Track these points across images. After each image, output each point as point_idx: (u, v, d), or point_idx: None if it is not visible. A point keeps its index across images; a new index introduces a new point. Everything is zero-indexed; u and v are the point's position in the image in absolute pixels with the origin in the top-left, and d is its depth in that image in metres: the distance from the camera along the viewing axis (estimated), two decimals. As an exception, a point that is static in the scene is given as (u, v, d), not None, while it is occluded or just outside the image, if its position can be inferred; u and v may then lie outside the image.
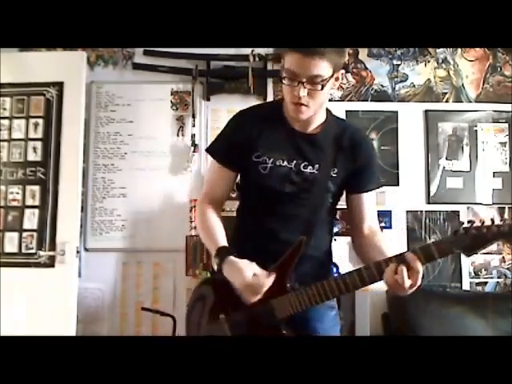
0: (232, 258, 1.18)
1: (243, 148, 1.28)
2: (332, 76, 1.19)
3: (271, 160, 1.26)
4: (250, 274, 1.14)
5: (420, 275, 1.07)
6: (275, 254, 1.20)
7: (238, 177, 1.39)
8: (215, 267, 1.21)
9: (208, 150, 1.39)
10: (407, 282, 1.06)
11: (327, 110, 1.34)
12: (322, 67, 1.15)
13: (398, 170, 2.70)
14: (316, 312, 1.26)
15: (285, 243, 1.21)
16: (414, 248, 1.11)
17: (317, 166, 1.27)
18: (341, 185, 1.30)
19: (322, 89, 1.17)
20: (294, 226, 1.25)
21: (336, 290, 1.16)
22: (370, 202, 1.34)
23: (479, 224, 1.04)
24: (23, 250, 2.38)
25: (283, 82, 1.19)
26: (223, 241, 1.25)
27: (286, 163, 1.26)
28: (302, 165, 1.27)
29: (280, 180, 1.26)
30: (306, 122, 1.27)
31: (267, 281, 1.15)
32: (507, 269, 2.67)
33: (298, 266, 1.20)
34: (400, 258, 1.09)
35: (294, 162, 1.27)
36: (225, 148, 1.34)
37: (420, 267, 1.07)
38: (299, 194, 1.26)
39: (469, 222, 1.06)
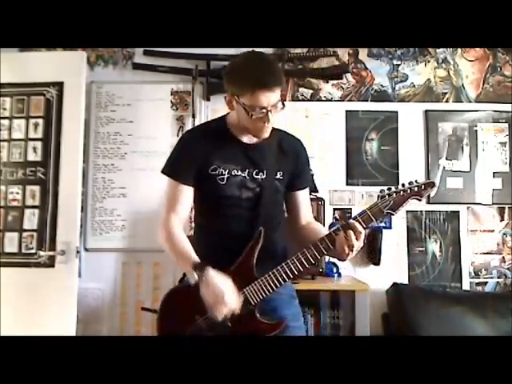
0: (211, 271, 1.28)
1: (198, 163, 1.41)
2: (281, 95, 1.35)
3: (227, 171, 1.40)
4: (224, 296, 1.24)
5: (363, 236, 1.28)
6: (239, 253, 1.34)
7: None
8: (192, 280, 1.29)
9: (164, 172, 1.47)
10: (356, 244, 1.26)
11: None
12: (278, 93, 1.32)
13: (397, 170, 2.70)
14: (282, 301, 1.41)
15: (246, 242, 1.35)
16: (355, 216, 1.32)
17: (265, 171, 1.43)
18: (286, 185, 1.48)
19: (283, 107, 1.34)
20: (254, 225, 1.37)
21: (300, 265, 1.31)
22: (307, 198, 1.55)
23: (395, 189, 1.32)
24: (23, 250, 2.38)
25: (248, 113, 1.31)
26: (195, 256, 1.34)
27: (240, 173, 1.41)
28: (254, 172, 1.42)
29: (237, 188, 1.41)
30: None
31: (236, 306, 1.27)
32: (507, 269, 2.67)
33: (261, 259, 1.34)
34: (345, 226, 1.28)
35: (247, 170, 1.42)
36: (181, 166, 1.44)
37: (362, 229, 1.28)
38: (254, 197, 1.42)
39: (388, 188, 1.32)
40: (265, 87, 1.28)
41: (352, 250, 1.26)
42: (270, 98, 1.29)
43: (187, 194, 1.43)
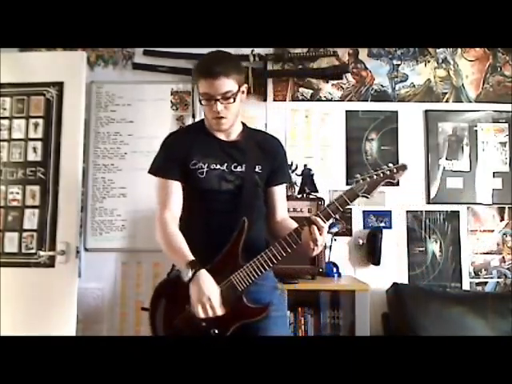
0: (204, 272, 1.34)
1: (180, 159, 1.49)
2: (238, 90, 1.44)
3: (206, 165, 1.48)
4: (206, 297, 1.30)
5: (325, 231, 1.36)
6: (221, 243, 1.40)
7: None
8: (186, 278, 1.34)
9: (151, 172, 1.56)
10: (320, 239, 1.33)
11: (242, 123, 1.59)
12: (229, 84, 1.41)
13: (397, 169, 2.69)
14: (265, 293, 1.47)
15: (229, 233, 1.41)
16: (317, 212, 1.38)
17: (244, 165, 1.51)
18: (265, 181, 1.55)
19: (234, 101, 1.43)
20: (234, 218, 1.42)
21: (277, 254, 1.38)
22: (283, 194, 1.63)
23: (368, 174, 1.39)
24: (23, 250, 2.38)
25: (202, 103, 1.45)
26: (190, 254, 1.39)
27: (219, 166, 1.49)
28: (233, 166, 1.50)
29: (217, 181, 1.48)
30: (228, 132, 1.53)
31: (218, 310, 1.32)
32: (507, 269, 2.67)
33: (244, 250, 1.40)
34: (309, 221, 1.35)
35: (226, 164, 1.50)
36: (166, 164, 1.53)
37: (324, 224, 1.34)
38: (234, 190, 1.48)
39: (361, 174, 1.40)
40: (209, 75, 1.38)
41: (317, 245, 1.33)
42: (215, 86, 1.38)
43: (176, 189, 1.51)
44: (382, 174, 1.39)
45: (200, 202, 1.49)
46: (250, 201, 1.49)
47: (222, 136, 1.53)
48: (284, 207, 1.62)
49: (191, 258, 1.37)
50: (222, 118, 1.44)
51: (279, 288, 1.58)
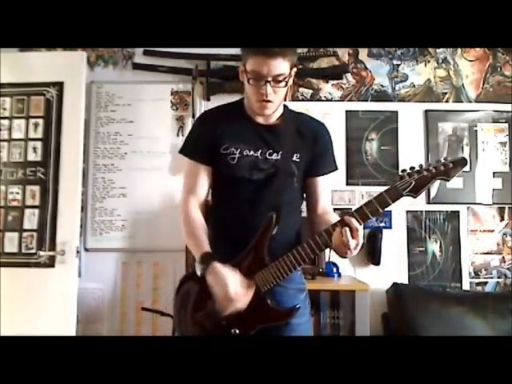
0: (216, 265, 1.25)
1: (211, 142, 1.37)
2: (290, 73, 1.32)
3: (238, 150, 1.36)
4: (232, 291, 1.23)
5: (360, 233, 1.18)
6: (247, 238, 1.30)
7: None
8: (199, 272, 1.28)
9: (181, 152, 1.45)
10: (352, 242, 1.17)
11: (284, 105, 1.44)
12: (283, 66, 1.28)
13: (397, 170, 2.70)
14: (287, 295, 1.36)
15: (256, 227, 1.30)
16: (352, 211, 1.22)
17: (280, 152, 1.37)
18: (304, 169, 1.40)
19: (286, 85, 1.31)
20: (264, 210, 1.32)
21: (305, 256, 1.26)
22: (326, 185, 1.46)
23: (418, 168, 1.19)
24: (23, 250, 2.38)
25: (249, 82, 1.30)
26: (207, 245, 1.31)
27: (252, 152, 1.36)
28: (267, 153, 1.36)
29: (248, 168, 1.35)
30: (268, 116, 1.38)
31: (245, 300, 1.25)
32: (507, 269, 2.68)
33: (271, 247, 1.29)
34: (342, 222, 1.20)
35: (260, 150, 1.36)
36: (196, 146, 1.42)
37: (359, 226, 1.18)
38: (267, 180, 1.35)
39: (410, 168, 1.20)
40: (265, 53, 1.25)
41: (349, 249, 1.18)
42: (270, 65, 1.25)
43: (204, 173, 1.40)
44: (434, 170, 1.17)
45: (229, 191, 1.38)
46: (282, 192, 1.35)
47: (260, 119, 1.39)
48: (327, 199, 1.46)
49: (206, 249, 1.29)
50: (268, 101, 1.31)
51: (305, 290, 1.45)
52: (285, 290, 1.35)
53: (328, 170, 1.45)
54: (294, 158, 1.37)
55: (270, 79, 1.27)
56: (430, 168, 1.18)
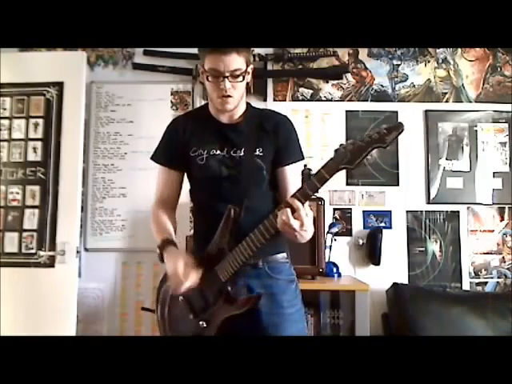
0: (171, 248, 1.34)
1: (181, 147, 1.46)
2: (246, 69, 1.38)
3: (205, 151, 1.43)
4: (180, 267, 1.28)
5: (302, 213, 1.18)
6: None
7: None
8: (159, 258, 1.37)
9: (152, 158, 1.53)
10: (294, 222, 1.17)
11: (247, 102, 1.51)
12: (239, 61, 1.34)
13: (397, 170, 2.70)
14: (279, 287, 1.41)
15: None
16: (294, 192, 1.23)
17: (243, 149, 1.43)
18: (271, 162, 1.44)
19: (243, 80, 1.38)
20: (236, 205, 1.37)
21: (256, 241, 1.28)
22: (294, 174, 1.47)
23: (352, 140, 1.19)
24: (23, 250, 2.38)
25: (208, 80, 1.37)
26: (168, 235, 1.39)
27: (218, 152, 1.43)
28: (232, 151, 1.43)
29: (217, 167, 1.42)
30: (230, 114, 1.45)
31: (192, 281, 1.29)
32: (507, 269, 2.67)
33: (241, 238, 1.32)
34: (285, 204, 1.21)
35: (225, 149, 1.43)
36: (166, 152, 1.50)
37: (300, 205, 1.18)
38: (235, 176, 1.41)
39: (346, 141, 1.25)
40: (221, 50, 1.32)
41: (294, 229, 1.18)
42: (226, 61, 1.32)
43: (173, 178, 1.49)
44: (368, 138, 1.16)
45: (203, 190, 1.45)
46: (251, 187, 1.40)
47: (223, 119, 1.46)
48: (296, 188, 1.40)
49: (165, 237, 1.37)
50: (228, 96, 1.37)
51: (295, 281, 1.48)
52: (275, 282, 1.40)
53: (293, 159, 1.46)
54: (257, 153, 1.42)
55: (227, 75, 1.33)
56: (365, 137, 1.17)
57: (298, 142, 1.49)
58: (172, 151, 1.48)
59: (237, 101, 1.41)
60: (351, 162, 1.16)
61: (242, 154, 1.42)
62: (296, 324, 1.41)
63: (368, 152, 1.17)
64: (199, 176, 1.44)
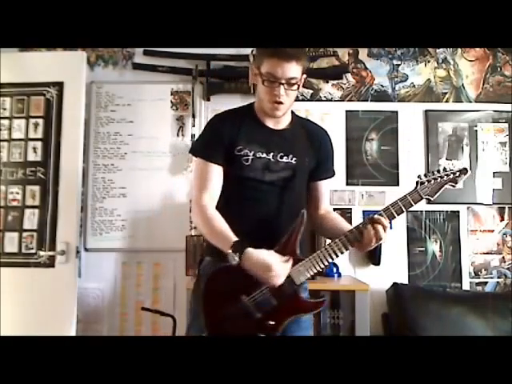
0: (250, 249, 1.29)
1: (226, 143, 1.43)
2: (301, 78, 1.39)
3: (252, 152, 1.43)
4: (275, 263, 1.27)
5: (388, 229, 1.35)
6: (256, 235, 1.32)
7: None
8: (233, 262, 1.29)
9: (193, 153, 1.51)
10: (384, 236, 1.33)
11: (291, 111, 1.52)
12: (296, 70, 1.36)
13: (397, 170, 2.70)
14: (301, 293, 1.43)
15: (268, 226, 1.39)
16: (384, 208, 1.39)
17: (291, 156, 1.45)
18: (309, 173, 1.51)
19: (297, 89, 1.40)
20: (276, 210, 1.42)
21: (337, 250, 1.37)
22: (327, 188, 1.59)
23: (432, 174, 1.40)
24: (23, 250, 2.38)
25: (264, 84, 1.37)
26: (234, 236, 1.32)
27: (265, 155, 1.43)
28: (279, 155, 1.45)
29: (261, 170, 1.43)
30: (277, 120, 1.47)
31: (288, 265, 1.31)
32: (507, 269, 2.67)
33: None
34: (372, 220, 1.35)
35: (272, 153, 1.44)
36: (209, 145, 1.47)
37: (387, 224, 1.35)
38: (277, 181, 1.44)
39: (425, 175, 1.40)
40: (281, 56, 1.32)
41: (379, 242, 1.34)
42: (284, 68, 1.33)
43: (217, 172, 1.44)
44: (445, 177, 1.39)
45: (240, 190, 1.43)
46: (292, 194, 1.45)
47: (270, 124, 1.47)
48: (326, 201, 1.60)
49: (234, 239, 1.31)
50: (280, 103, 1.39)
51: (307, 288, 1.51)
52: (298, 289, 1.40)
53: (329, 175, 1.57)
54: (306, 161, 1.47)
55: (283, 81, 1.35)
56: (442, 175, 1.39)
57: (333, 159, 1.59)
58: (216, 146, 1.44)
59: (286, 108, 1.43)
60: (432, 195, 1.38)
61: (289, 160, 1.45)
62: (305, 331, 1.43)
63: (444, 188, 1.40)
64: (241, 176, 1.42)
